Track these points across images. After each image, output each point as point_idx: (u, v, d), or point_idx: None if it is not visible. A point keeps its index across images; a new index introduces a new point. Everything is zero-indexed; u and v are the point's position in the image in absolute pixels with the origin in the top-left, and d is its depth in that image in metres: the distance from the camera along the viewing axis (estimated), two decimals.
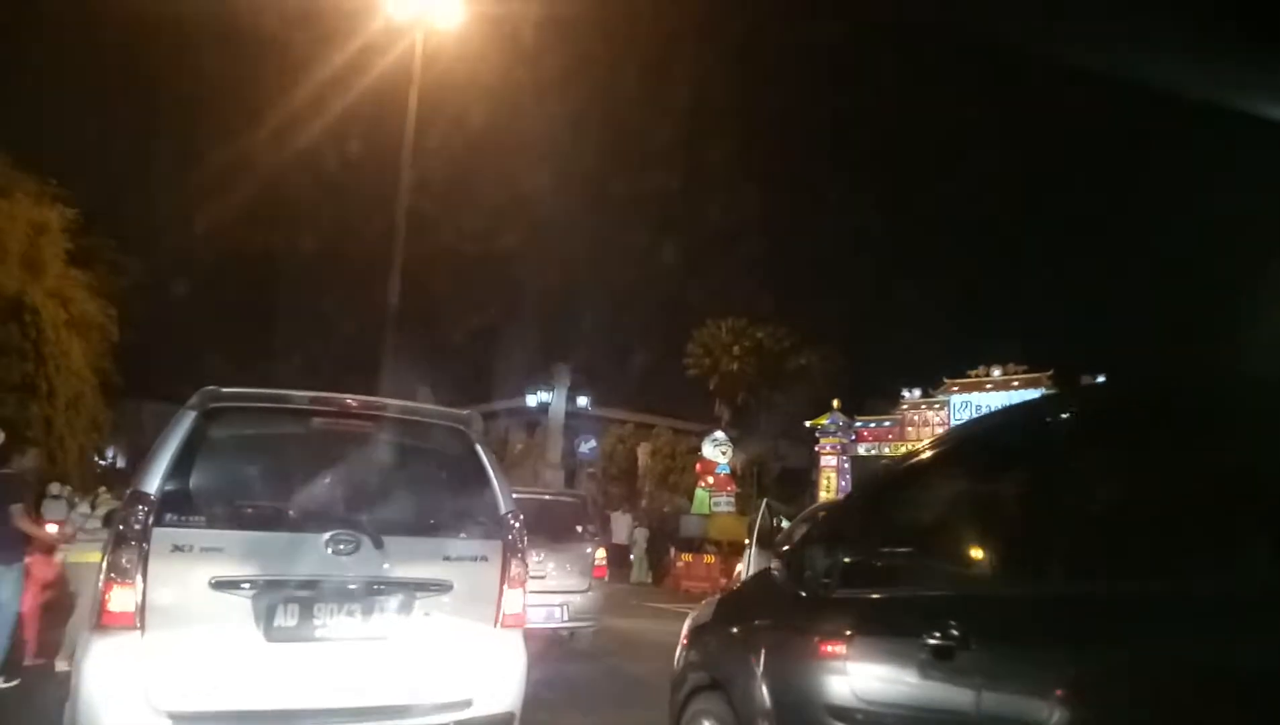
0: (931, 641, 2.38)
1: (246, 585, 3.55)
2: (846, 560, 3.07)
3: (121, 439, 22.27)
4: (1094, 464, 2.39)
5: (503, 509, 4.17)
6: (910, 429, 29.40)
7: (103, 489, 11.61)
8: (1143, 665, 1.91)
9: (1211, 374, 2.51)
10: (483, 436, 4.38)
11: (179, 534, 3.51)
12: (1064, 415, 2.61)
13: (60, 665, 6.33)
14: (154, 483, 3.55)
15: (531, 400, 33.67)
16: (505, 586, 4.04)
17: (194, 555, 3.51)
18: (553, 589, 8.49)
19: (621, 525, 23.03)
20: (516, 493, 4.60)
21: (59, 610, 6.98)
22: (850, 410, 31.23)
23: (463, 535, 4.08)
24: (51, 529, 7.41)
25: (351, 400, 4.26)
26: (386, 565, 3.80)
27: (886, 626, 2.75)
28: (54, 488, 10.54)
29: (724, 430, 26.57)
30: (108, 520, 6.20)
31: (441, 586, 3.88)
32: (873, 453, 30.21)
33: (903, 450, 25.83)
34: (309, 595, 3.65)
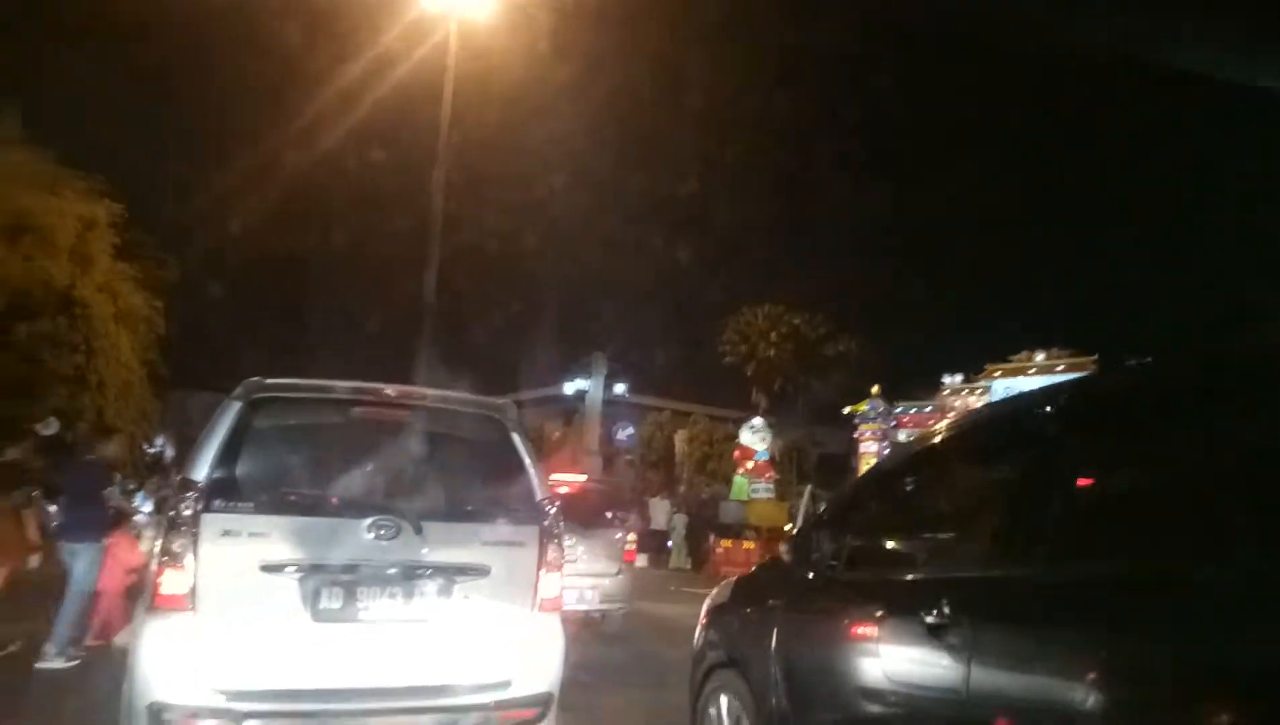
0: (930, 620, 2.45)
1: (293, 569, 3.66)
2: (851, 543, 3.18)
3: (169, 429, 22.77)
4: (1139, 443, 2.36)
5: (538, 495, 4.24)
6: (951, 415, 29.02)
7: (155, 478, 11.94)
8: (1166, 656, 1.88)
9: (1257, 350, 2.47)
10: (518, 424, 4.45)
11: (228, 520, 3.63)
12: (1102, 395, 2.60)
13: (120, 640, 6.34)
14: (203, 471, 3.69)
15: (568, 388, 33.85)
16: (542, 571, 4.11)
17: (242, 540, 3.63)
18: (583, 572, 8.61)
19: (660, 511, 23.11)
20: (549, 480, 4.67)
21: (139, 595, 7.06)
22: (889, 396, 30.99)
23: (499, 521, 4.15)
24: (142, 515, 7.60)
25: (390, 390, 4.35)
26: (426, 550, 3.88)
27: (888, 607, 2.81)
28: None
29: (761, 416, 26.52)
30: (159, 507, 6.39)
31: (479, 571, 3.96)
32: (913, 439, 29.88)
33: None
34: (352, 579, 3.75)
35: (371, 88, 14.34)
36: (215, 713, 3.46)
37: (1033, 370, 27.70)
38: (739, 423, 26.18)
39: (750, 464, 24.15)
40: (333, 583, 3.71)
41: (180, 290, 21.08)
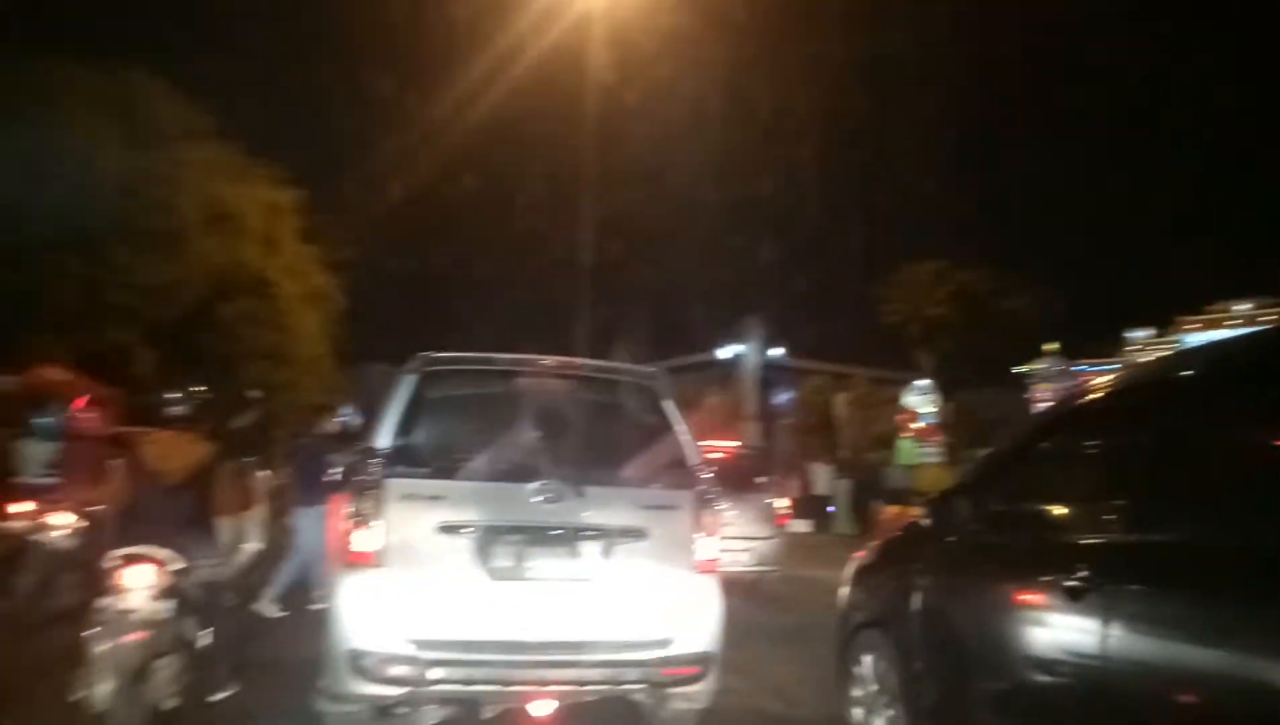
0: (1069, 584, 2.47)
1: (469, 529, 3.95)
2: (994, 508, 3.20)
3: (355, 399, 24.40)
4: None
5: (690, 461, 4.36)
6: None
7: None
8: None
9: None
10: (670, 392, 4.58)
11: (408, 484, 3.98)
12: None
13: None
14: (385, 439, 4.07)
15: (723, 353, 33.80)
16: (698, 534, 4.24)
17: (421, 502, 3.96)
18: (737, 535, 8.72)
19: (821, 476, 22.84)
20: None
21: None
22: (1068, 354, 29.17)
23: (654, 486, 4.31)
24: None
25: (549, 361, 4.59)
26: (587, 513, 4.10)
27: (1028, 571, 2.83)
28: None
29: (928, 378, 25.58)
30: (347, 473, 6.88)
31: (639, 533, 4.13)
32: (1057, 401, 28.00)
33: None
34: (521, 539, 4.01)
35: (520, 59, 14.78)
36: (405, 659, 3.81)
37: (1231, 321, 25.25)
38: (901, 385, 25.35)
39: (916, 427, 23.38)
40: (503, 543, 3.99)
41: (351, 268, 22.36)
